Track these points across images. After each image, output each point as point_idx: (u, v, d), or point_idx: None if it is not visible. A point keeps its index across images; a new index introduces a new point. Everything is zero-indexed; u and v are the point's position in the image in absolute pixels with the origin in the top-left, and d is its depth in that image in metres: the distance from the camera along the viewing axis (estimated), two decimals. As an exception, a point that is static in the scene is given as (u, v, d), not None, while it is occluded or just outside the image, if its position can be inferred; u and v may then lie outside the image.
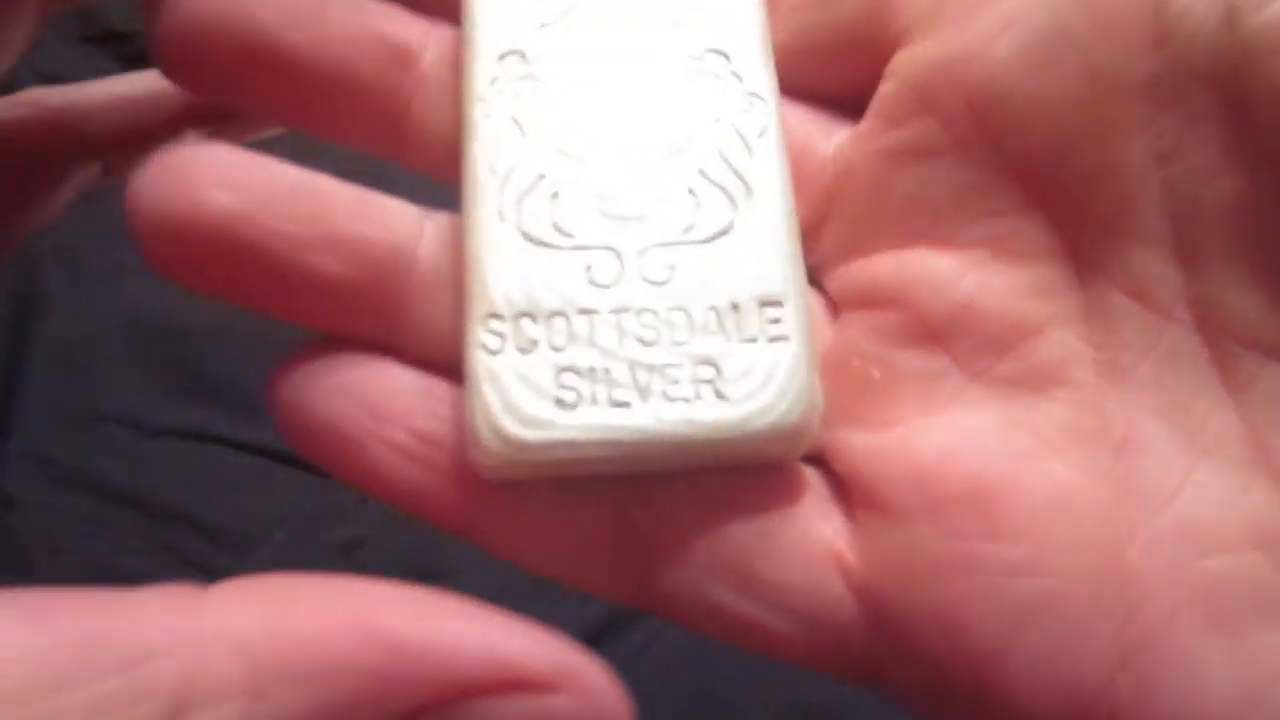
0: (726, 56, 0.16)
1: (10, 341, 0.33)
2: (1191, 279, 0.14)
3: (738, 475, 0.15)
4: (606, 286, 0.15)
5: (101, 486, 0.31)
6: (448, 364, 0.15)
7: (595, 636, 0.28)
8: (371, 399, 0.15)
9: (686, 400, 0.15)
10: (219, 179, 0.14)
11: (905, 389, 0.15)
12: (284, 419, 0.15)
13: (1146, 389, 0.14)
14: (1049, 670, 0.13)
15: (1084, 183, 0.14)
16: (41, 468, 0.31)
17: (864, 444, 0.15)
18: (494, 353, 0.15)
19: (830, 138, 0.16)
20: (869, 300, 0.16)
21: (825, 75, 0.17)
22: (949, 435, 0.14)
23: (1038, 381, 0.14)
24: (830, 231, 0.16)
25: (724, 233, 0.15)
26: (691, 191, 0.16)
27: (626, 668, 0.27)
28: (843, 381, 0.15)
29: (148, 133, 0.20)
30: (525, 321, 0.15)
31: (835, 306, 0.16)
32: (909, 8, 0.15)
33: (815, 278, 0.16)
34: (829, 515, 0.15)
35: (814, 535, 0.14)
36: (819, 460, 0.15)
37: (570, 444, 0.14)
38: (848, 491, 0.15)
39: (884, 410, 0.15)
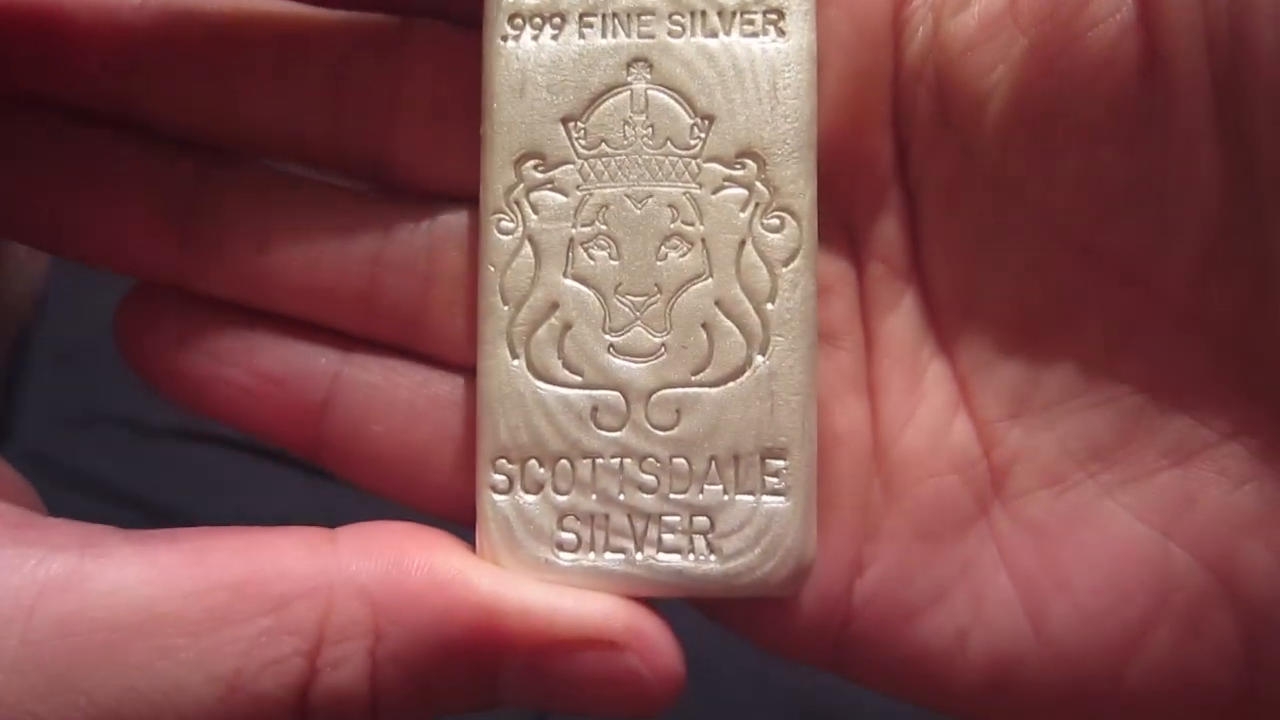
0: (763, 161, 0.15)
1: (10, 341, 0.33)
2: (918, 248, 0.17)
3: None
4: (612, 430, 0.15)
5: (101, 486, 0.31)
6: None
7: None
8: (206, 341, 0.17)
9: (679, 552, 0.15)
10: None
11: None
12: (136, 367, 0.17)
13: (889, 343, 0.17)
14: (813, 580, 0.16)
15: (857, 164, 0.17)
16: (41, 468, 0.31)
17: None
18: (502, 493, 0.15)
19: None
20: None
21: None
22: None
23: (830, 333, 0.16)
24: None
25: (736, 376, 0.15)
26: (705, 327, 0.15)
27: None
28: None
29: None
30: (532, 464, 0.15)
31: None
32: None
33: None
34: None
35: None
36: None
37: (565, 582, 0.15)
38: None
39: None
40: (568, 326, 0.15)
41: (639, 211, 0.15)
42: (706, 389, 0.15)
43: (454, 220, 0.17)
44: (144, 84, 0.16)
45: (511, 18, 0.16)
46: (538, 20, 0.16)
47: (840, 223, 0.17)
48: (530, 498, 0.15)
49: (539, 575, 0.15)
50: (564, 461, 0.15)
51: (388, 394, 0.17)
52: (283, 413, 0.17)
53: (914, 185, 0.17)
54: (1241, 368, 0.15)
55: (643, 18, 0.15)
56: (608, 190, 0.15)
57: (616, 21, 0.16)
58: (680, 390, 0.15)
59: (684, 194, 0.15)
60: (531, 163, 0.15)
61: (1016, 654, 0.15)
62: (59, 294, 0.34)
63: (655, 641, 0.15)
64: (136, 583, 0.13)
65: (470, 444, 0.16)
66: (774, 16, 0.16)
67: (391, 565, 0.14)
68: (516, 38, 0.16)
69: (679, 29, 0.15)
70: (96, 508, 0.31)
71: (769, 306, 0.15)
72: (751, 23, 0.15)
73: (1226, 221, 0.15)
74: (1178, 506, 0.15)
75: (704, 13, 0.15)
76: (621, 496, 0.15)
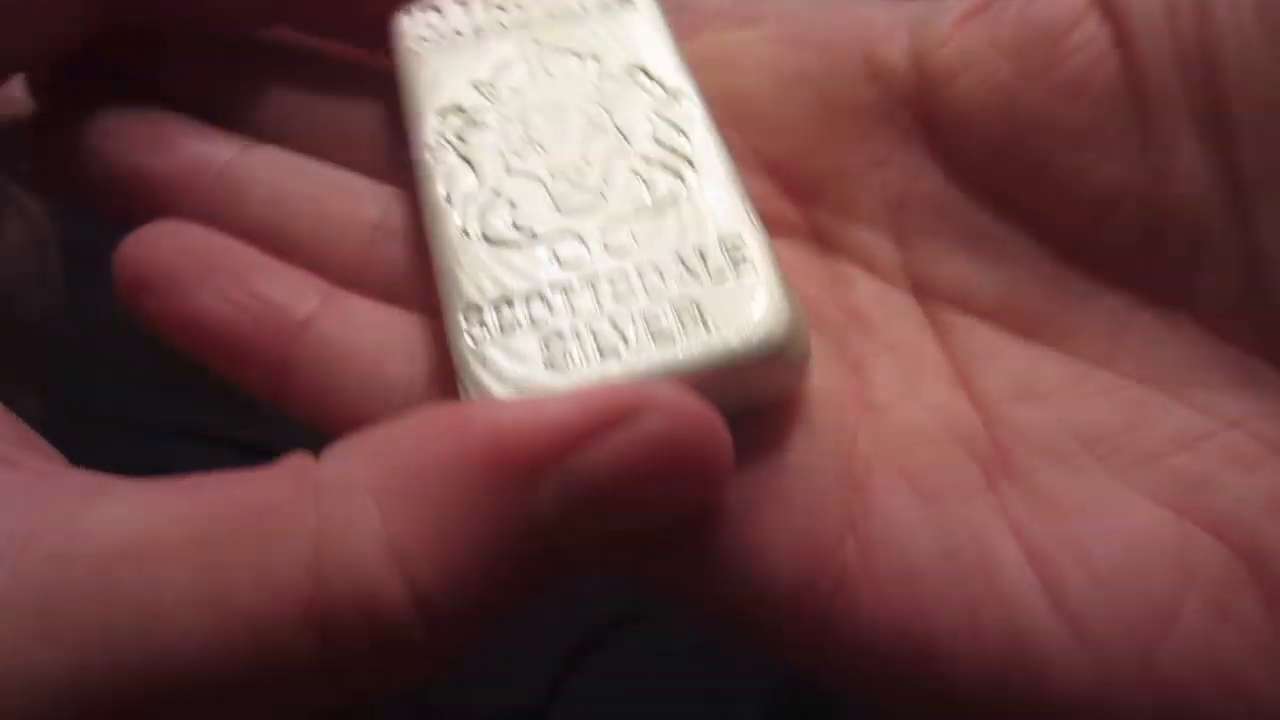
0: (646, 71, 0.19)
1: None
2: (906, 254, 0.18)
3: None
4: (575, 264, 0.16)
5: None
6: None
7: (595, 636, 0.27)
8: (205, 254, 0.17)
9: (672, 337, 0.15)
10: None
11: None
12: (121, 271, 0.17)
13: (877, 330, 0.17)
14: (792, 528, 0.15)
15: (819, 179, 0.18)
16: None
17: None
18: (478, 341, 0.15)
19: None
20: None
21: None
22: None
23: (813, 321, 0.17)
24: None
25: (675, 201, 0.17)
26: (637, 174, 0.17)
27: (627, 668, 0.27)
28: None
29: None
30: (504, 308, 0.16)
31: None
32: (689, 55, 0.19)
33: None
34: None
35: None
36: None
37: None
38: None
39: None
40: (513, 204, 0.17)
41: (557, 118, 0.18)
42: (653, 213, 0.17)
43: None
44: None
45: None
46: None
47: (816, 234, 0.18)
48: (509, 336, 0.15)
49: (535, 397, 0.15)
50: (535, 299, 0.16)
51: (362, 330, 0.17)
52: (258, 337, 0.17)
53: (896, 198, 0.18)
54: (1236, 359, 0.15)
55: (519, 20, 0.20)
56: (524, 113, 0.18)
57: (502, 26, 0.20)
58: (630, 220, 0.17)
59: (590, 99, 0.18)
60: (453, 113, 0.18)
61: (1034, 632, 0.14)
62: (60, 293, 0.34)
63: (672, 396, 0.13)
64: (127, 515, 0.13)
65: (446, 382, 0.16)
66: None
67: (381, 452, 0.13)
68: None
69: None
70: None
71: (685, 144, 0.18)
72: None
73: (1210, 217, 0.15)
74: (1191, 488, 0.15)
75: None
76: (602, 309, 0.16)
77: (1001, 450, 0.16)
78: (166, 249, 0.18)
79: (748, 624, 0.15)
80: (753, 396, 0.15)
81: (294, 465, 0.14)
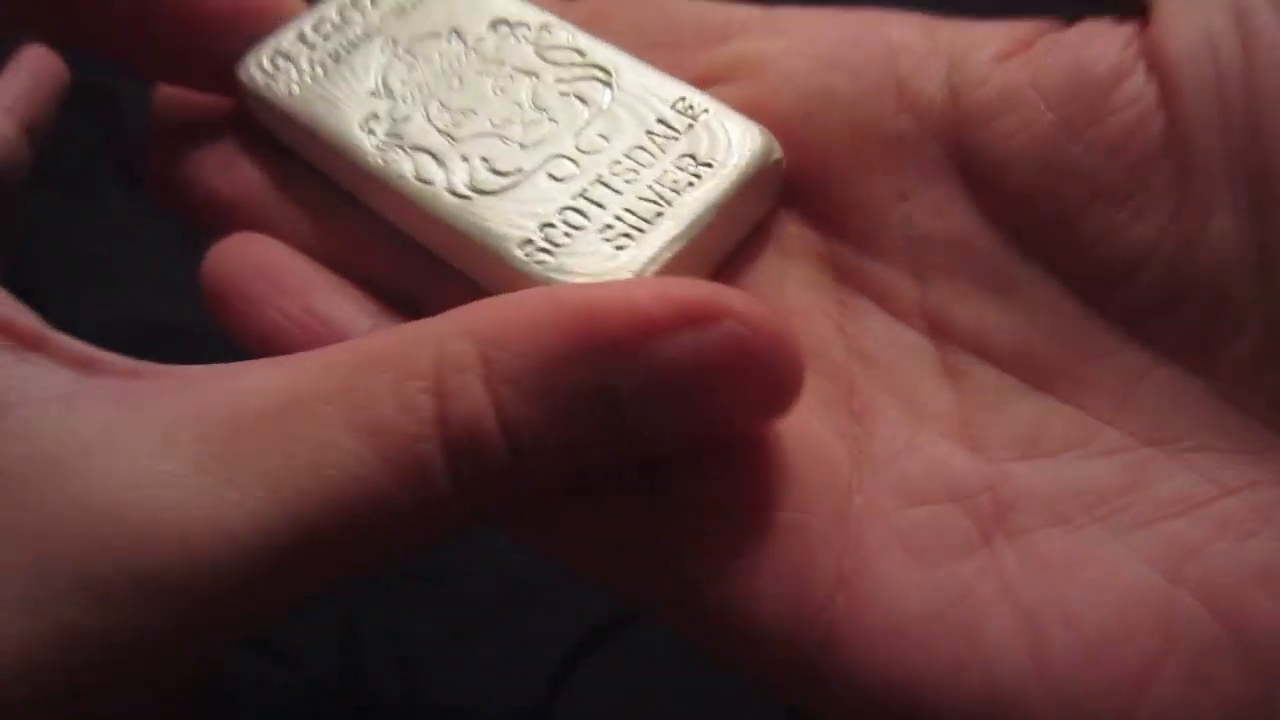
0: (506, 21, 0.20)
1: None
2: (925, 292, 0.17)
3: None
4: (574, 175, 0.18)
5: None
6: None
7: (595, 636, 0.27)
8: (271, 270, 0.18)
9: (692, 185, 0.17)
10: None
11: None
12: (205, 285, 0.18)
13: (885, 373, 0.17)
14: (785, 584, 0.15)
15: (840, 209, 0.18)
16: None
17: None
18: (548, 263, 0.17)
19: None
20: None
21: None
22: None
23: (813, 357, 0.17)
24: None
25: (613, 98, 0.19)
26: (565, 95, 0.19)
27: (627, 668, 0.27)
28: None
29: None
30: (548, 229, 0.17)
31: None
32: (714, 61, 0.19)
33: None
34: None
35: None
36: None
37: (634, 273, 0.17)
38: None
39: None
40: (484, 159, 0.18)
41: (464, 89, 0.19)
42: (602, 113, 0.19)
43: None
44: None
45: None
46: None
47: (834, 263, 0.18)
48: (570, 244, 0.17)
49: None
50: (567, 211, 0.17)
51: None
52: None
53: (918, 233, 0.18)
54: (1244, 425, 0.15)
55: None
56: (430, 97, 0.19)
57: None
58: (591, 128, 0.18)
59: (481, 62, 0.20)
60: (372, 121, 0.19)
61: (1016, 692, 0.15)
62: (59, 294, 0.34)
63: (748, 305, 0.14)
64: (277, 375, 0.15)
65: None
66: None
67: (484, 308, 0.15)
68: None
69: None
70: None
71: (586, 56, 0.19)
72: None
73: (1236, 285, 0.15)
74: (1183, 554, 0.15)
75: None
76: (623, 193, 0.18)
77: (1000, 508, 0.16)
78: (237, 264, 0.19)
79: (741, 667, 0.16)
80: (764, 201, 0.18)
81: (408, 323, 0.15)
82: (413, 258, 0.19)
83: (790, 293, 0.18)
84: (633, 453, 0.15)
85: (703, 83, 0.19)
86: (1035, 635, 0.15)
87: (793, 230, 0.19)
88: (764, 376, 0.15)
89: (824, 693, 0.15)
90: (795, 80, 0.18)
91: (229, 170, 0.20)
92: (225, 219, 0.20)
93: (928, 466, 0.16)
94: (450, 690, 0.27)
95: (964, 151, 0.17)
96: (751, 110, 0.18)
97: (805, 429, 0.16)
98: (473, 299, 0.16)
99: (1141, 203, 0.16)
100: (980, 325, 0.17)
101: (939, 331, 0.17)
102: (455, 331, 0.15)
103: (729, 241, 0.18)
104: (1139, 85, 0.16)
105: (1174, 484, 0.15)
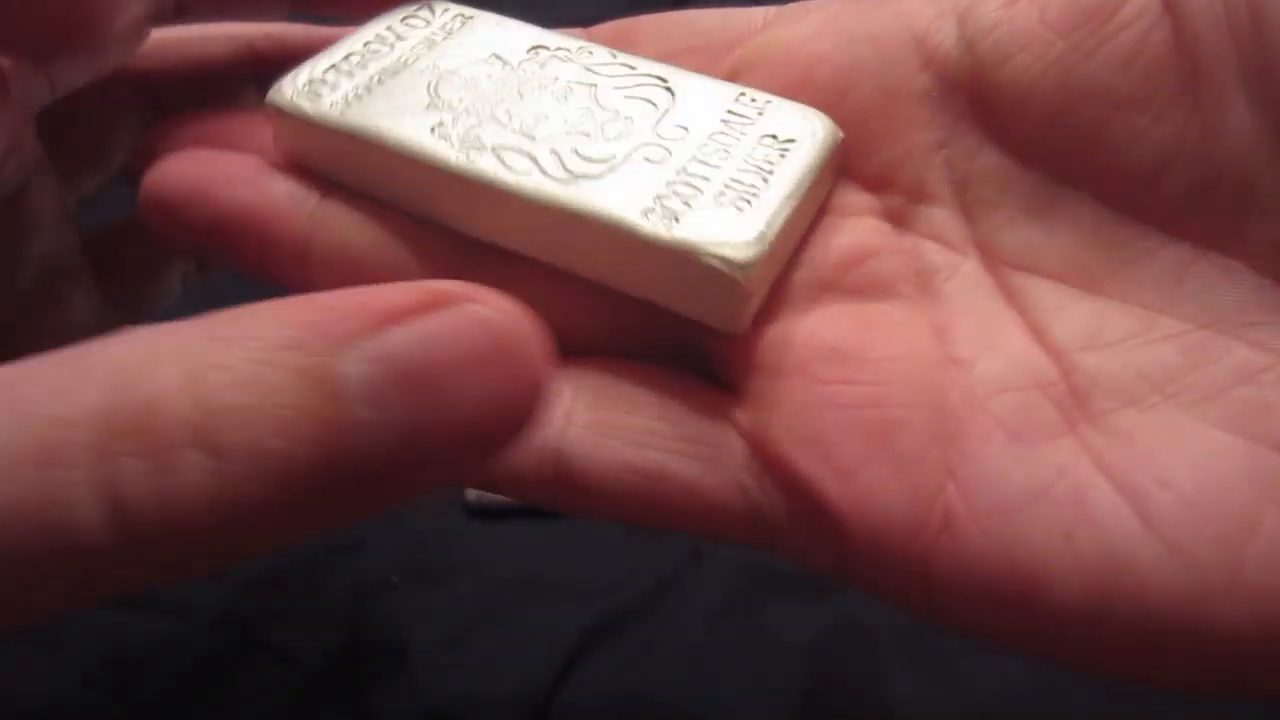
0: (545, 46, 0.20)
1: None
2: (973, 226, 0.19)
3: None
4: (666, 157, 0.18)
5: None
6: None
7: (595, 636, 0.28)
8: (223, 166, 0.19)
9: (785, 154, 0.19)
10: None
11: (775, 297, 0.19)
12: (151, 196, 0.19)
13: (951, 299, 0.18)
14: (897, 478, 0.16)
15: (887, 168, 0.19)
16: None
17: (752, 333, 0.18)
18: (680, 232, 0.17)
19: None
20: None
21: None
22: (814, 327, 0.18)
23: (876, 290, 0.18)
24: None
25: (675, 98, 0.19)
26: (631, 98, 0.19)
27: (626, 667, 0.27)
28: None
29: (207, 87, 0.23)
30: (667, 201, 0.18)
31: None
32: (746, 52, 0.21)
33: None
34: (722, 391, 0.18)
35: (710, 401, 0.18)
36: (709, 356, 0.18)
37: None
38: (735, 367, 0.18)
39: (765, 313, 0.18)
40: (574, 150, 0.18)
41: (522, 100, 0.19)
42: (672, 110, 0.19)
43: None
44: None
45: None
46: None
47: (891, 216, 0.19)
48: (693, 215, 0.17)
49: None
50: (678, 184, 0.18)
51: (368, 221, 0.19)
52: (280, 220, 0.19)
53: (960, 177, 0.19)
54: None
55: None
56: (494, 109, 0.19)
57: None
58: (666, 120, 0.19)
59: (529, 78, 0.20)
60: (437, 128, 0.19)
61: (1129, 551, 0.15)
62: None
63: (496, 294, 0.13)
64: None
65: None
66: None
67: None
68: None
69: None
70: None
71: (636, 69, 0.20)
72: None
73: (1260, 168, 0.16)
74: (1256, 414, 0.16)
75: None
76: (721, 167, 0.18)
77: (1078, 395, 0.17)
78: (190, 170, 0.19)
79: (864, 573, 0.17)
80: (833, 174, 0.19)
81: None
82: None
83: (863, 239, 0.19)
84: (378, 477, 0.13)
85: (736, 75, 0.20)
86: (1137, 499, 0.15)
87: (851, 197, 0.20)
88: (505, 358, 0.13)
89: (941, 584, 0.16)
90: (823, 60, 0.20)
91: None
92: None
93: (1009, 361, 0.17)
94: (450, 690, 0.27)
95: (985, 95, 0.19)
96: (787, 93, 0.20)
97: (894, 341, 0.18)
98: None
99: (1160, 106, 0.17)
100: (1028, 247, 0.18)
101: (991, 258, 0.19)
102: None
103: (813, 210, 0.19)
104: (1141, 1, 0.17)
105: (1233, 358, 0.16)
